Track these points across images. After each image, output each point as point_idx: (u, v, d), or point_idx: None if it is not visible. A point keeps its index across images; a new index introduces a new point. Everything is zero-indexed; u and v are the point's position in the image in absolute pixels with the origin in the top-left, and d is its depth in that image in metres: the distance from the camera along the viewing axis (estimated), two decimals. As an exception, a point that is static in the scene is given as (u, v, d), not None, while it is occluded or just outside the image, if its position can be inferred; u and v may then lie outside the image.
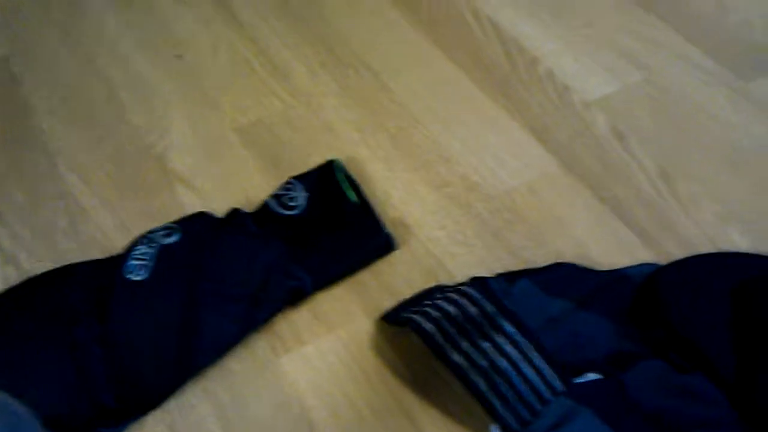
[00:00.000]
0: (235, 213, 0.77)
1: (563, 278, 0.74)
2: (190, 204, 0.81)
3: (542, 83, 0.94)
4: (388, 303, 0.74)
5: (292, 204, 0.78)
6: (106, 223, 0.80)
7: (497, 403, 0.63)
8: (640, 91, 0.94)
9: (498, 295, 0.69)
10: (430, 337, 0.66)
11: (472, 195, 0.83)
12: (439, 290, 0.72)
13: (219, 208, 0.80)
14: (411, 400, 0.68)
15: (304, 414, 0.67)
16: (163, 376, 0.66)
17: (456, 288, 0.71)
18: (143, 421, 0.66)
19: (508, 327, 0.66)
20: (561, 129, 0.89)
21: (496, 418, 0.63)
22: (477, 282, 0.72)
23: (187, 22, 1.02)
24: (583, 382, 0.65)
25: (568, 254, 0.77)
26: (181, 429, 0.66)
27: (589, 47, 0.99)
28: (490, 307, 0.68)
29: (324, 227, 0.78)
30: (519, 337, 0.66)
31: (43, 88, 0.93)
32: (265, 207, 0.78)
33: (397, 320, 0.71)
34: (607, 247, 0.78)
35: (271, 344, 0.71)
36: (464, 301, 0.68)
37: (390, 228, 0.78)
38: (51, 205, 0.81)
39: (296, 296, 0.73)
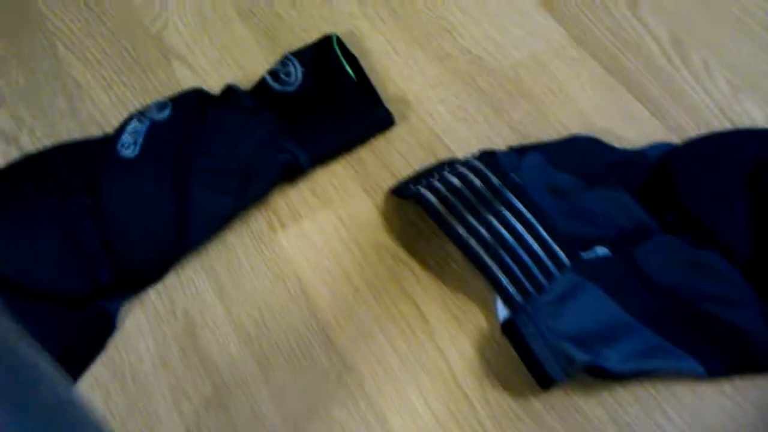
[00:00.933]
0: (229, 89, 0.75)
1: (576, 153, 0.71)
2: (187, 81, 0.79)
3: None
4: (386, 180, 0.73)
5: (287, 80, 0.76)
6: (104, 102, 0.78)
7: (501, 276, 0.62)
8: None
9: (505, 168, 0.67)
10: (434, 209, 0.65)
11: (474, 68, 0.80)
12: (447, 164, 0.71)
13: (216, 84, 0.78)
14: (408, 276, 0.68)
15: (302, 287, 0.67)
16: (157, 250, 0.67)
17: (464, 162, 0.69)
18: (144, 295, 0.67)
19: (514, 201, 0.65)
20: (571, -3, 0.85)
21: (499, 290, 0.62)
22: (485, 155, 0.69)
23: None
24: (590, 259, 0.64)
25: (574, 128, 0.75)
26: (181, 302, 0.66)
27: None
28: (496, 181, 0.66)
29: (320, 103, 0.76)
30: (525, 211, 0.64)
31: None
32: (260, 83, 0.76)
33: (402, 193, 0.70)
34: (615, 120, 0.75)
35: (267, 220, 0.71)
36: (470, 175, 0.66)
37: (389, 103, 0.76)
38: (50, 85, 0.80)
39: (291, 171, 0.71)
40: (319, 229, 0.71)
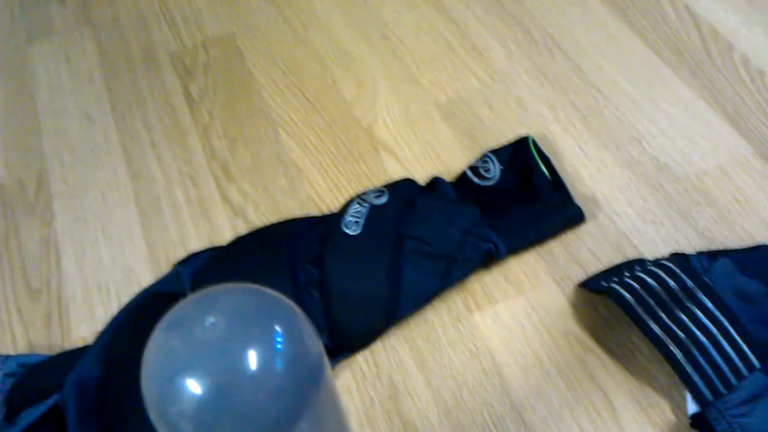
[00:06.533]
0: (435, 180, 0.81)
1: (765, 261, 0.72)
2: (394, 170, 0.86)
3: (736, 68, 0.92)
4: (575, 272, 0.76)
5: (486, 175, 0.82)
6: (320, 184, 0.86)
7: (693, 374, 0.64)
8: (840, 78, 0.90)
9: (698, 271, 0.69)
10: (629, 305, 0.67)
11: (661, 175, 0.83)
12: (638, 263, 0.73)
13: (419, 175, 0.84)
14: (595, 363, 0.70)
15: (495, 366, 0.71)
16: (370, 322, 0.72)
17: (655, 262, 0.72)
18: (352, 359, 0.72)
19: (707, 302, 0.67)
20: (754, 113, 0.87)
21: (691, 387, 0.63)
22: (677, 257, 0.72)
23: (393, 3, 1.07)
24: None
25: (759, 237, 0.76)
26: (386, 368, 0.71)
27: (787, 33, 0.96)
28: (689, 282, 0.68)
29: (516, 197, 0.80)
30: (717, 313, 0.66)
31: (264, 63, 1.01)
32: (462, 177, 0.82)
33: (595, 288, 0.73)
34: (799, 232, 0.76)
35: (465, 301, 0.75)
36: (664, 275, 0.69)
37: (579, 202, 0.80)
38: (273, 166, 0.89)
39: (489, 258, 0.76)
40: (512, 313, 0.74)
